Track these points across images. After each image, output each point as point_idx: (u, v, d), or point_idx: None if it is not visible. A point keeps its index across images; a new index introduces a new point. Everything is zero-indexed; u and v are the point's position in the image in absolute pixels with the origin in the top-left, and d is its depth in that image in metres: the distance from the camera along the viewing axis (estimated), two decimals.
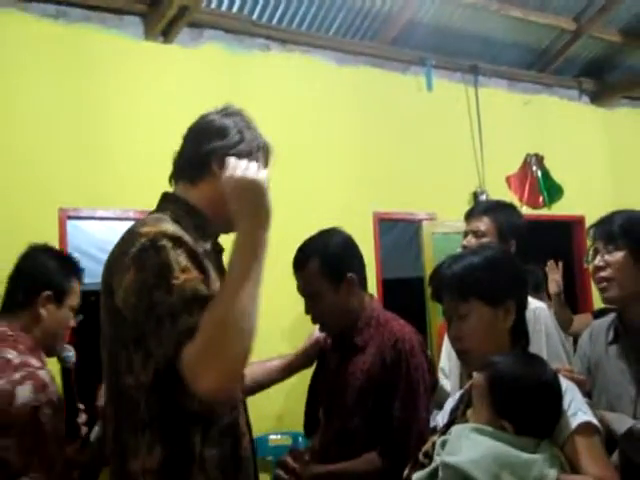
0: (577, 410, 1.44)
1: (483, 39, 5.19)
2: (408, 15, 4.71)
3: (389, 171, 4.73)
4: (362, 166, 4.61)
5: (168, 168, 1.61)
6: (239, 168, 1.38)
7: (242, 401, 1.58)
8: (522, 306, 1.64)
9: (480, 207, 2.62)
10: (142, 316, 1.33)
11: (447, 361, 2.50)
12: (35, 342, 1.87)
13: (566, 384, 1.49)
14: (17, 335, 1.85)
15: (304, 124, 4.37)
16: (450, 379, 2.43)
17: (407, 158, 4.82)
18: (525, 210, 5.01)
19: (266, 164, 1.59)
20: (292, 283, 2.12)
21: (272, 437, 3.82)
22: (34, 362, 1.79)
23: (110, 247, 1.48)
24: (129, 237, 1.41)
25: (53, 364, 1.99)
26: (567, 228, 5.71)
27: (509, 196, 4.99)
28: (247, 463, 1.50)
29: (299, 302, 2.12)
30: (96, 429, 2.05)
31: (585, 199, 5.38)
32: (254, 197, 1.36)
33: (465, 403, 1.59)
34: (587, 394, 1.68)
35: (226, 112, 1.60)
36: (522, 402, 1.41)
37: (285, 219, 3.84)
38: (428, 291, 1.77)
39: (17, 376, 1.72)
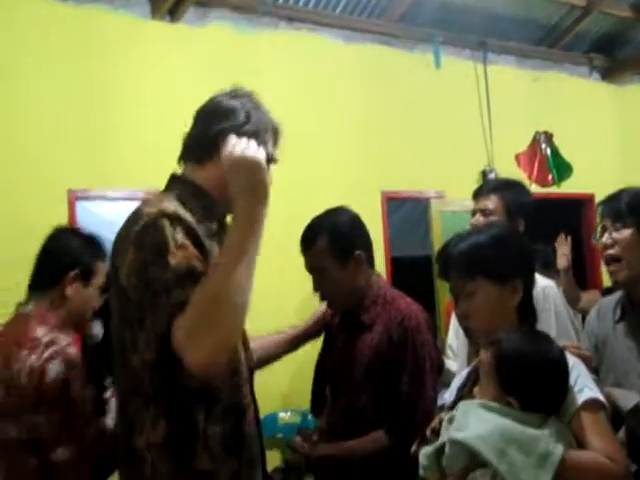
0: (583, 386, 1.44)
1: (492, 15, 5.12)
2: None
3: (397, 149, 4.71)
4: (370, 144, 4.59)
5: (177, 148, 1.62)
6: (238, 145, 1.40)
7: (249, 370, 1.59)
8: (529, 284, 1.64)
9: (488, 185, 2.61)
10: (142, 294, 1.35)
11: (455, 339, 2.51)
12: (62, 320, 1.90)
13: (573, 361, 1.49)
14: (45, 313, 1.88)
15: (312, 103, 4.35)
16: (458, 357, 2.45)
17: (415, 136, 4.80)
18: (534, 188, 4.97)
19: (275, 145, 1.60)
20: (301, 261, 2.13)
21: (281, 415, 3.87)
22: (63, 339, 1.82)
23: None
24: (133, 217, 1.43)
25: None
26: (576, 206, 5.67)
27: (518, 174, 4.94)
28: (251, 440, 1.52)
29: (309, 279, 2.13)
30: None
31: (595, 177, 5.31)
32: (252, 174, 1.38)
33: (472, 381, 1.60)
34: (594, 370, 1.69)
35: (235, 94, 1.60)
36: (528, 379, 1.42)
37: (293, 198, 3.88)
38: (436, 269, 1.77)
39: (47, 353, 1.76)
